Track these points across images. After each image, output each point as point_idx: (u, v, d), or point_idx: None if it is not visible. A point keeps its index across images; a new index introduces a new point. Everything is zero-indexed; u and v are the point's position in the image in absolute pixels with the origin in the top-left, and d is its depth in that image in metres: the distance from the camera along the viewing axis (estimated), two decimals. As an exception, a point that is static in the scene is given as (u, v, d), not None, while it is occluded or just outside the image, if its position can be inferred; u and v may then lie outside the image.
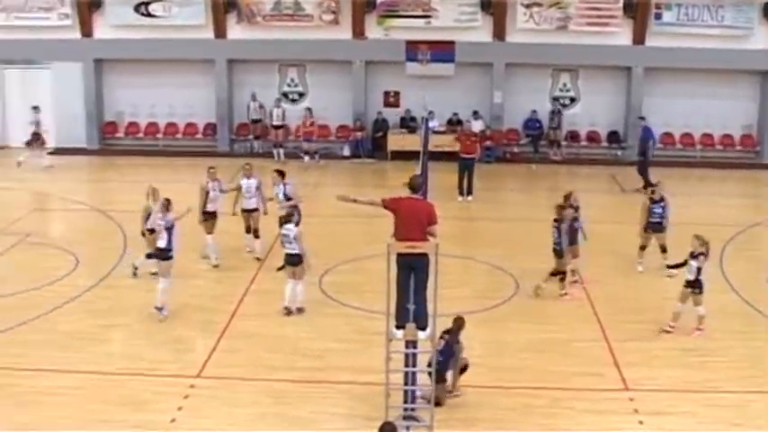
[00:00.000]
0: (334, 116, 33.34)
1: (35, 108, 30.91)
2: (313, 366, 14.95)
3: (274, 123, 32.25)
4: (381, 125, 32.87)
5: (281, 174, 19.92)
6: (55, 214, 25.54)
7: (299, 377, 14.52)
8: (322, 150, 32.37)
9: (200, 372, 14.77)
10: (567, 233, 18.01)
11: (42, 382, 14.31)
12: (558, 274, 18.07)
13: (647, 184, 26.29)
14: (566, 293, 18.22)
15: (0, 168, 31.25)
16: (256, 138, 33.04)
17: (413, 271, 12.46)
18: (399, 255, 12.37)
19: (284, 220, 17.60)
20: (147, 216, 18.31)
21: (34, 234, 22.49)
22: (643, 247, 19.84)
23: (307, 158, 31.57)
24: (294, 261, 17.22)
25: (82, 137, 33.68)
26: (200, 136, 34.31)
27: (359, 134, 32.82)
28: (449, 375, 13.71)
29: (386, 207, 12.62)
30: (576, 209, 18.68)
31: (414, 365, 12.74)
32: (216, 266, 19.83)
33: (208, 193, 19.77)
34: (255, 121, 32.94)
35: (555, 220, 18.04)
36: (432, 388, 12.88)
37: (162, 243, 16.98)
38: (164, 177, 26.03)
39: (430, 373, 12.88)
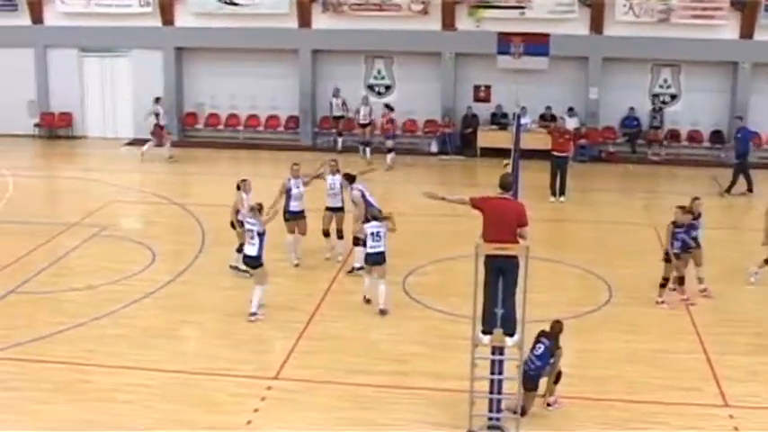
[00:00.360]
0: (422, 111, 33.40)
1: (157, 100, 31.55)
2: (394, 371, 14.94)
3: (361, 122, 32.14)
4: (471, 121, 32.72)
5: (351, 178, 19.64)
6: (133, 207, 25.77)
7: (380, 381, 14.52)
8: (398, 146, 31.89)
9: (277, 373, 14.84)
10: (680, 239, 17.76)
11: (113, 379, 14.52)
12: (666, 280, 17.95)
13: (751, 187, 26.21)
14: (663, 302, 18.00)
15: (78, 158, 32.11)
16: (339, 134, 33.03)
17: (502, 274, 12.43)
18: (488, 257, 12.36)
19: (370, 218, 17.77)
20: (238, 209, 18.44)
21: (111, 227, 22.82)
22: None
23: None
24: (379, 260, 17.41)
25: None
26: (282, 129, 34.51)
27: (447, 130, 32.68)
28: (542, 383, 13.56)
29: (474, 206, 12.62)
30: (697, 216, 18.31)
31: (500, 373, 12.68)
32: (296, 266, 19.87)
33: (290, 190, 19.67)
34: (337, 118, 32.92)
35: (673, 224, 17.74)
36: (519, 397, 12.79)
37: (253, 250, 17.16)
38: (244, 171, 25.88)
39: (525, 383, 12.93)
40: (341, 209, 20.15)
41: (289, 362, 15.28)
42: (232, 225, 18.95)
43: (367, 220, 17.87)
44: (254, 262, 17.19)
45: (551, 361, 13.47)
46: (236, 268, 18.98)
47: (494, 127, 32.38)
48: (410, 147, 33.12)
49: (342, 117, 32.92)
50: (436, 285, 18.92)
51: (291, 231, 19.91)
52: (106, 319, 16.93)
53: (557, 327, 13.68)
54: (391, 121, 31.10)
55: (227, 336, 16.28)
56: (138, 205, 25.93)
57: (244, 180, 19.12)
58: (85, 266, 19.97)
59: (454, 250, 20.15)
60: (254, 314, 16.93)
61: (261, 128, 34.38)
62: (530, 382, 13.22)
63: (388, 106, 31.35)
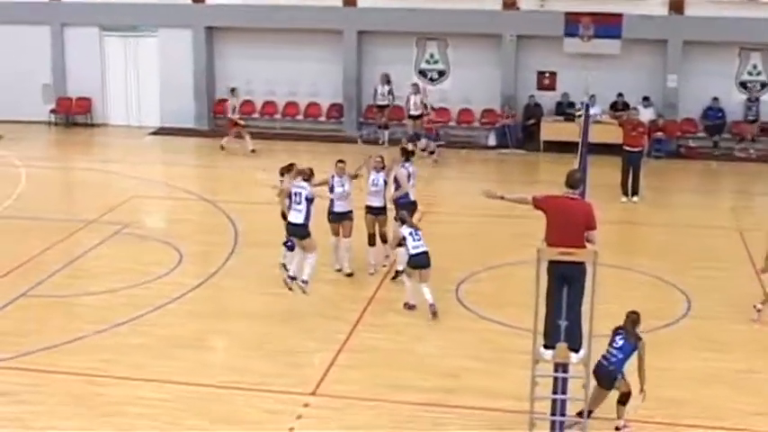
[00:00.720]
0: (479, 99, 33.41)
1: (232, 91, 31.86)
2: (443, 387, 14.96)
3: (411, 113, 31.68)
4: (534, 111, 32.75)
5: (407, 154, 20.00)
6: (157, 203, 26.04)
7: (427, 399, 14.55)
8: (452, 140, 32.31)
9: (315, 389, 14.91)
10: None
11: (131, 392, 14.65)
12: None
13: None
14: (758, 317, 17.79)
15: (97, 148, 32.77)
16: (383, 126, 32.87)
17: (566, 282, 12.45)
18: (551, 263, 12.37)
19: (402, 220, 18.01)
20: (289, 196, 18.30)
21: (133, 224, 23.08)
22: None
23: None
24: (424, 262, 17.72)
25: (189, 115, 34.45)
26: (323, 118, 34.68)
27: (507, 121, 32.56)
28: (619, 383, 13.53)
29: (537, 206, 12.71)
30: None
31: (563, 392, 12.65)
32: (350, 275, 19.79)
33: (332, 189, 19.55)
34: (381, 107, 32.83)
35: None
36: (585, 422, 12.80)
37: (299, 217, 17.38)
38: (280, 163, 26.00)
39: (600, 380, 13.04)
40: (383, 210, 20.03)
41: (328, 376, 15.32)
42: (283, 216, 18.71)
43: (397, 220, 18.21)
44: (301, 231, 17.41)
45: (635, 353, 13.39)
46: (287, 271, 18.40)
47: (559, 118, 32.19)
48: (466, 139, 33.18)
49: (386, 106, 32.76)
50: (492, 294, 18.94)
51: (336, 234, 19.91)
52: (126, 327, 17.07)
53: (632, 316, 13.64)
54: (433, 121, 31.16)
55: (260, 346, 16.37)
56: (164, 201, 26.16)
57: (290, 165, 19.15)
58: (104, 268, 20.16)
59: (513, 255, 20.28)
60: (305, 281, 17.34)
61: (300, 116, 34.58)
62: (605, 380, 13.30)
63: (427, 106, 31.27)
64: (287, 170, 19.15)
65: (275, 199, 19.24)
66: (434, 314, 17.45)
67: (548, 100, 32.98)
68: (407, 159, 19.85)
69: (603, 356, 13.29)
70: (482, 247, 21.58)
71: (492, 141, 32.95)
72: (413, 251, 17.66)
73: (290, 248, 18.10)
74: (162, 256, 20.76)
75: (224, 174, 29.46)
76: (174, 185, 27.21)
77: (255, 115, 34.57)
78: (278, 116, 34.74)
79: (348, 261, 19.76)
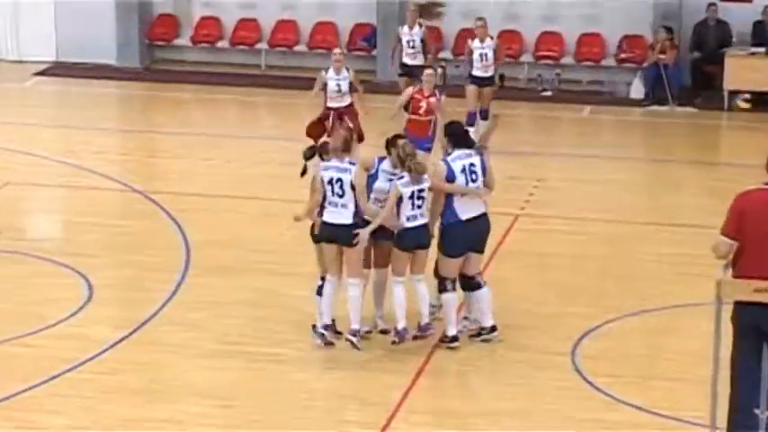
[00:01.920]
0: (613, 19, 33.27)
1: None
2: None
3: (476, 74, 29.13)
4: (710, 36, 32.37)
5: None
6: (50, 196, 25.76)
7: None
8: (563, 87, 32.72)
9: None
10: None
11: None
12: None
13: None
14: None
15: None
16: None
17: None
18: (743, 308, 12.40)
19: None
20: (323, 197, 17.86)
21: (7, 233, 22.47)
22: None
23: None
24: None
25: (107, 44, 34.60)
26: (340, 50, 32.86)
27: (664, 57, 31.79)
28: None
29: (734, 237, 12.56)
30: None
31: None
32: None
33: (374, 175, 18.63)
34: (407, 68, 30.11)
35: None
36: None
37: (346, 215, 17.35)
38: (268, 131, 28.23)
39: None
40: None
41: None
42: (312, 235, 18.17)
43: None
44: (345, 235, 17.30)
45: None
46: (324, 335, 18.06)
47: (759, 50, 31.56)
48: (590, 88, 33.32)
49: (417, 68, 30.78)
50: (634, 358, 17.99)
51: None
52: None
53: None
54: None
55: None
56: (61, 192, 25.76)
57: (313, 147, 18.70)
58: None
59: (671, 291, 19.84)
60: (355, 333, 17.32)
61: (301, 46, 34.68)
62: None
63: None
64: (318, 151, 18.45)
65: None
66: (417, 338, 17.88)
67: (738, 16, 32.47)
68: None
69: None
70: (619, 277, 20.85)
71: (638, 91, 32.49)
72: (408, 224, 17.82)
73: (320, 294, 17.99)
74: (57, 290, 19.84)
75: (162, 143, 29.94)
76: (79, 165, 26.53)
77: (223, 44, 35.04)
78: (262, 46, 34.79)
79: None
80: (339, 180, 17.41)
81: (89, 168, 26.05)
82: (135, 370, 17.21)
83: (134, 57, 34.12)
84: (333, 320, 17.77)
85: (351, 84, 24.69)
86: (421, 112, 23.54)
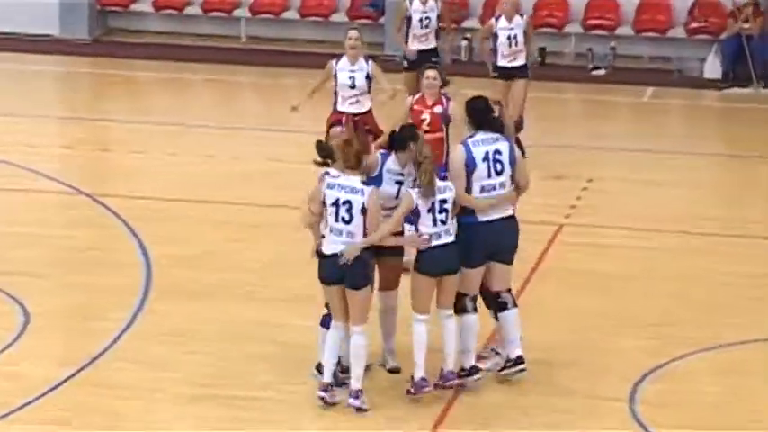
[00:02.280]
0: None
1: None
2: None
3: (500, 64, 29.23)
4: None
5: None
6: None
7: None
8: (605, 62, 32.88)
9: None
10: None
11: None
12: None
13: None
14: None
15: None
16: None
17: None
18: None
19: None
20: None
21: None
22: None
23: None
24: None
25: (51, 12, 35.09)
26: (339, 19, 35.39)
27: (747, 26, 32.18)
28: None
29: None
30: None
31: None
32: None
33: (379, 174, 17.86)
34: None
35: None
36: None
37: (352, 242, 16.59)
38: (249, 120, 28.46)
39: None
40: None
41: None
42: (317, 253, 17.34)
43: None
44: (355, 272, 16.50)
45: None
46: (324, 397, 17.30)
47: None
48: (653, 66, 33.50)
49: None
50: (706, 405, 17.13)
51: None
52: None
53: None
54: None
55: None
56: None
57: (322, 144, 17.24)
58: None
59: (753, 321, 19.33)
60: (357, 395, 16.58)
61: (291, 13, 35.13)
62: None
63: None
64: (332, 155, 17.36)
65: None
66: (438, 386, 17.22)
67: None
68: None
69: None
70: (688, 302, 20.21)
71: (713, 70, 32.48)
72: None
73: (326, 325, 17.35)
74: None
75: (118, 132, 29.88)
76: (10, 162, 26.22)
77: (193, 10, 35.66)
78: (241, 12, 35.31)
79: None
80: (347, 202, 16.56)
81: (24, 166, 25.85)
82: (83, 417, 16.44)
83: (81, 26, 34.45)
84: (337, 370, 17.11)
85: (369, 78, 21.89)
86: (425, 127, 20.33)
